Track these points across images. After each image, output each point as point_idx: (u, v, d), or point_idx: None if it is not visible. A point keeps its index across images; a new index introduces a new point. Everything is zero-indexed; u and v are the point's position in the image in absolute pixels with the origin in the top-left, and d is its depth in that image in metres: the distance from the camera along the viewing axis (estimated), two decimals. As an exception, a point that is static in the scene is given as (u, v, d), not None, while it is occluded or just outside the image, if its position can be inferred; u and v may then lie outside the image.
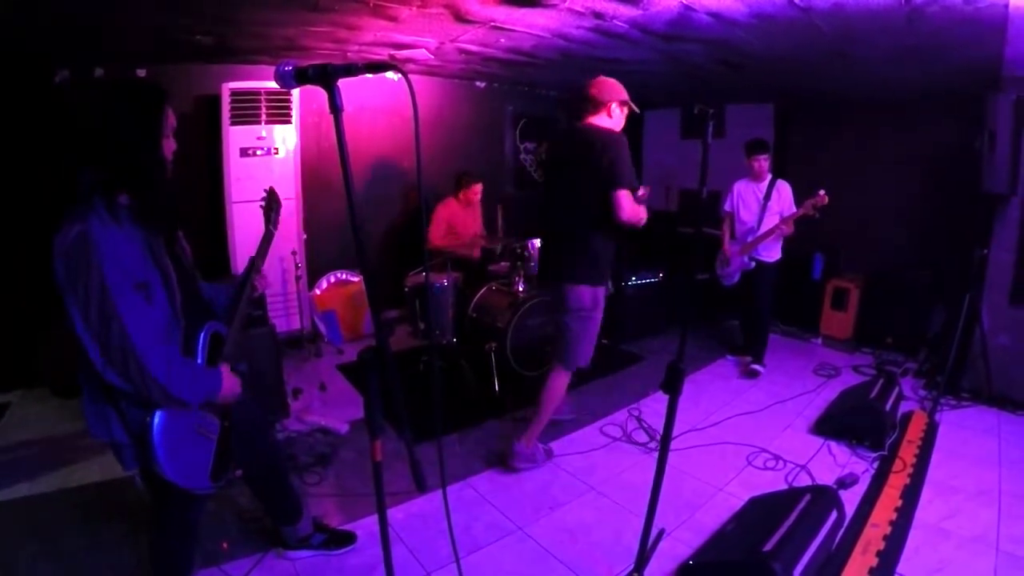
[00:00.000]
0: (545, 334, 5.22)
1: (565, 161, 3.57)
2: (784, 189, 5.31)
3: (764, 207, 5.31)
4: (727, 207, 5.63)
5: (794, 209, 5.17)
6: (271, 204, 2.71)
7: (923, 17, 3.39)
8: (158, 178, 1.98)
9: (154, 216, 1.97)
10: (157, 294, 1.94)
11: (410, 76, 1.42)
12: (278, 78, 1.52)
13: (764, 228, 5.28)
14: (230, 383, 2.18)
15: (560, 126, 3.68)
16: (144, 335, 1.84)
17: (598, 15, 3.82)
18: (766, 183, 5.34)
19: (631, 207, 3.34)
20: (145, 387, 1.85)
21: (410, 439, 1.87)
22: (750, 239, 5.36)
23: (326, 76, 1.48)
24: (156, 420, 1.93)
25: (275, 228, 2.69)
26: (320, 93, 1.48)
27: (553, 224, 3.68)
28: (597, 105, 3.49)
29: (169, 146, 2.06)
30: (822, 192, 4.81)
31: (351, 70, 1.49)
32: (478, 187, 6.18)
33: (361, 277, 6.57)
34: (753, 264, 5.40)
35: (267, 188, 2.76)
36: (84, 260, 1.76)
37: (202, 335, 2.13)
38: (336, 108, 1.48)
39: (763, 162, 5.30)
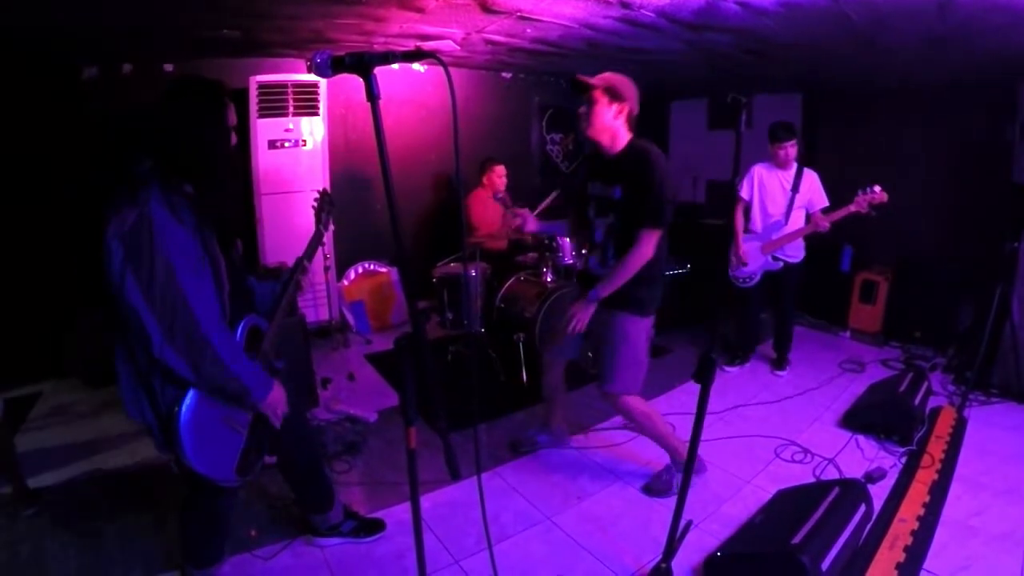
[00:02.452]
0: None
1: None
2: (812, 180, 4.92)
3: (792, 199, 4.91)
4: (745, 195, 5.10)
5: (825, 202, 4.86)
6: (323, 205, 2.75)
7: (955, 3, 3.34)
8: (223, 173, 2.03)
9: (213, 208, 2.03)
10: (206, 283, 1.99)
11: (437, 68, 1.43)
12: (314, 68, 1.52)
13: (792, 223, 4.92)
14: (278, 395, 2.22)
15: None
16: (209, 314, 1.91)
17: (625, 4, 3.80)
18: (792, 171, 4.92)
19: None
20: (203, 364, 1.91)
21: (445, 428, 1.89)
22: (775, 236, 4.95)
23: (363, 64, 1.49)
24: (185, 407, 1.97)
25: (325, 229, 2.74)
26: (347, 84, 1.51)
27: None
28: None
29: (231, 142, 2.13)
30: (878, 188, 4.44)
31: (388, 58, 1.50)
32: (501, 169, 6.14)
33: (388, 268, 6.63)
34: (780, 264, 5.03)
35: (320, 189, 2.81)
36: (148, 241, 1.81)
37: (240, 328, 2.18)
38: (373, 96, 1.49)
39: (790, 150, 4.83)
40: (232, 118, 2.11)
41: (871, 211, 4.52)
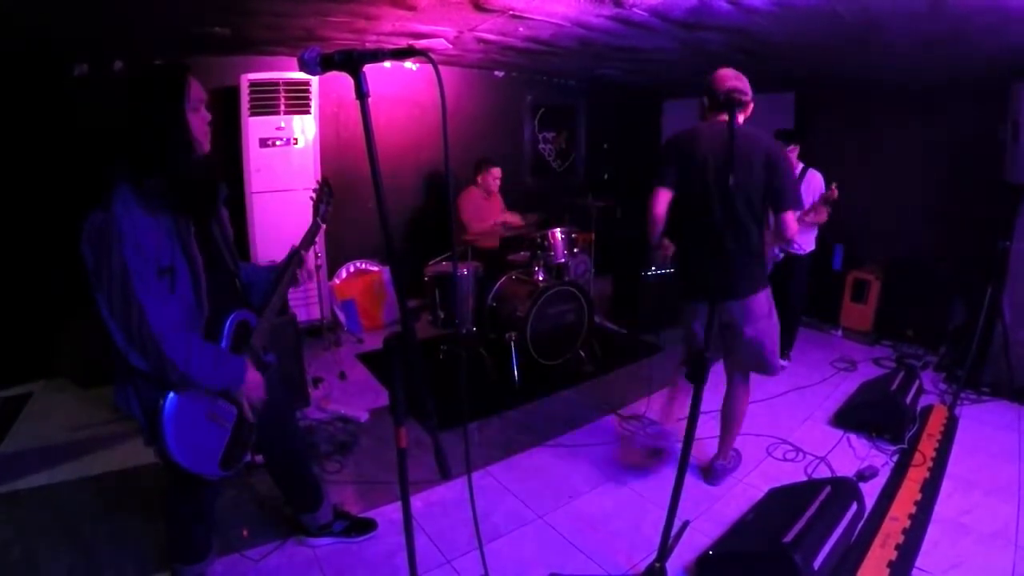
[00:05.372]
0: (565, 323, 5.21)
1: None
2: (815, 179, 5.15)
3: None
4: None
5: None
6: (322, 196, 2.70)
7: (946, 3, 3.34)
8: (186, 157, 1.99)
9: (184, 200, 1.99)
10: (182, 280, 1.98)
11: (430, 66, 1.41)
12: (303, 65, 1.51)
13: None
14: (254, 380, 2.19)
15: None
16: (163, 321, 1.88)
17: (617, 3, 3.80)
18: (796, 172, 5.09)
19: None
20: (164, 371, 1.90)
21: (435, 427, 1.88)
22: None
23: (352, 62, 1.48)
24: (168, 400, 1.98)
25: (323, 221, 2.70)
26: (339, 82, 1.49)
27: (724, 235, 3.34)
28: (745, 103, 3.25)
29: (201, 119, 2.06)
30: (833, 185, 4.59)
31: (377, 55, 1.49)
32: (497, 171, 6.16)
33: (380, 267, 6.61)
34: (782, 256, 5.13)
35: (320, 178, 2.76)
36: (107, 246, 1.81)
37: (227, 323, 2.15)
38: (362, 94, 1.48)
39: (792, 153, 5.04)
40: (195, 95, 2.02)
41: (827, 207, 4.71)
